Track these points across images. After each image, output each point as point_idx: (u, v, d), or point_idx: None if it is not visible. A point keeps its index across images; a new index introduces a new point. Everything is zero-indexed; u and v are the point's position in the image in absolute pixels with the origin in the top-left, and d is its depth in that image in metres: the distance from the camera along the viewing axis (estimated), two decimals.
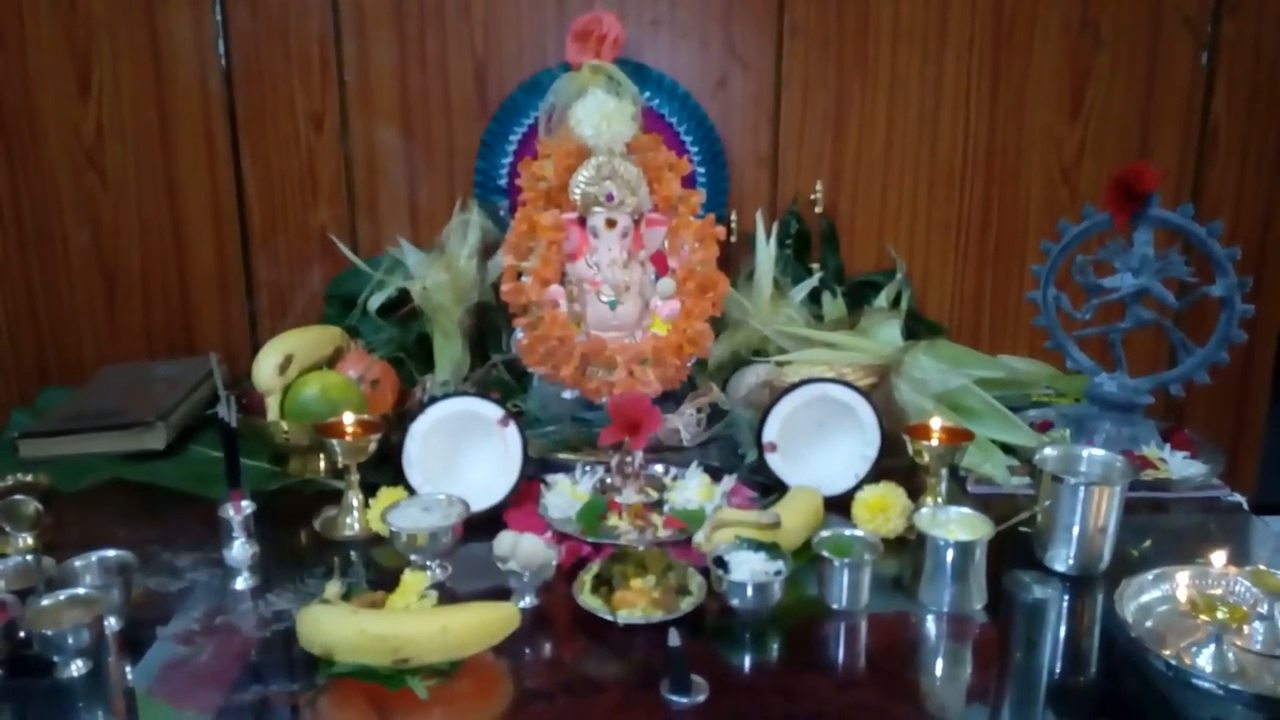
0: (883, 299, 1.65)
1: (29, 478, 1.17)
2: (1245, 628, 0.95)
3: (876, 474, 1.26)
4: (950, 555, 1.03)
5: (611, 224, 1.41)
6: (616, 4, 1.63)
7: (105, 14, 1.61)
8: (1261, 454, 1.82)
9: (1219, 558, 1.02)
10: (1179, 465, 1.35)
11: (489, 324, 1.57)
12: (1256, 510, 1.70)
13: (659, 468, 1.30)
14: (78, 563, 1.01)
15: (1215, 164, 1.70)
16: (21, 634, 0.92)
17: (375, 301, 1.58)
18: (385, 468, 1.24)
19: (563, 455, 1.35)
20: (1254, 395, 1.79)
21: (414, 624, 0.91)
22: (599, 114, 1.39)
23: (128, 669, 0.94)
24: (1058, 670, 0.97)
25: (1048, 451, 1.16)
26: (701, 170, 1.66)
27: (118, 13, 1.61)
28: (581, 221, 1.42)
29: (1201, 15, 1.64)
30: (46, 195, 1.68)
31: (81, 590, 0.95)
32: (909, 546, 1.12)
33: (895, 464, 1.27)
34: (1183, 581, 1.01)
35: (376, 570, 1.13)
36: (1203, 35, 1.65)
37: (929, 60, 1.66)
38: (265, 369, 1.31)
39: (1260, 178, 1.70)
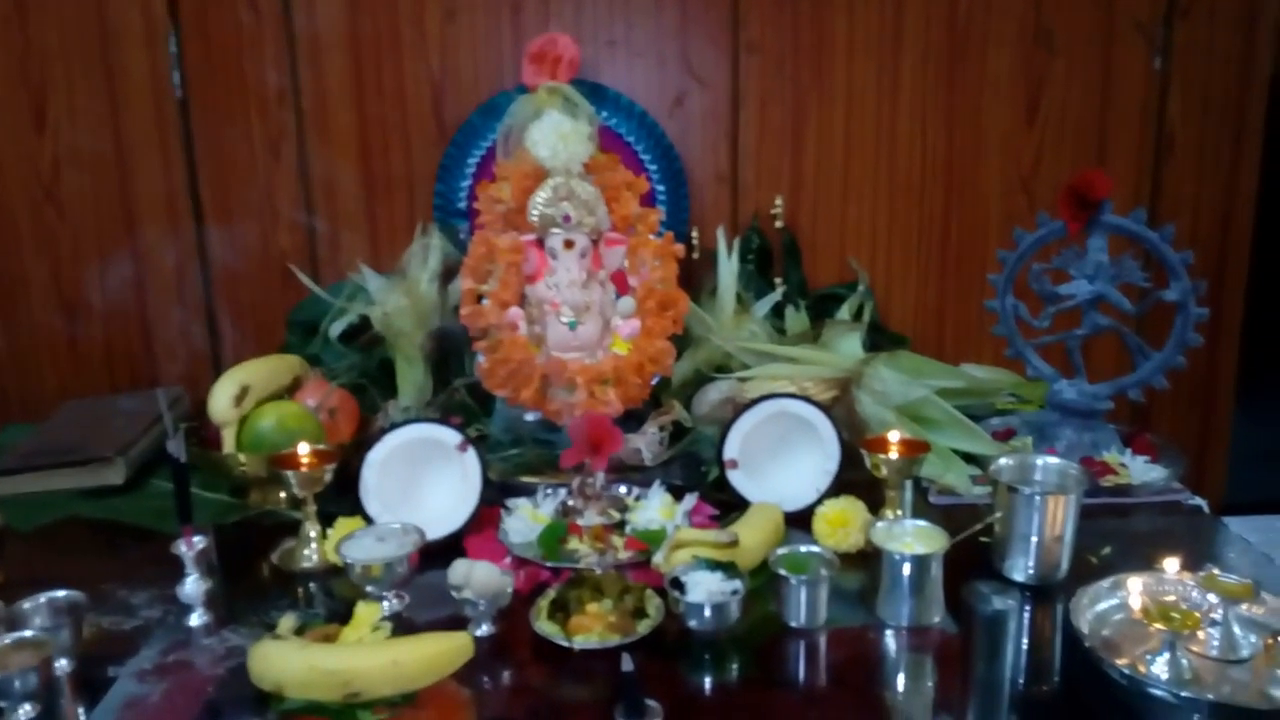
0: (845, 311, 1.65)
1: None
2: (1200, 633, 0.95)
3: (839, 487, 1.27)
4: (907, 569, 1.03)
5: (570, 245, 1.40)
6: (572, 25, 1.63)
7: (59, 46, 1.61)
8: (1229, 454, 1.83)
9: (1172, 563, 1.02)
10: (1140, 470, 1.35)
11: (451, 348, 1.57)
12: (1225, 511, 1.71)
13: (622, 488, 1.30)
14: (26, 605, 1.00)
15: (1172, 167, 1.71)
16: None
17: (336, 328, 1.57)
18: (345, 497, 1.23)
19: (525, 478, 1.34)
20: (1219, 396, 1.80)
21: (364, 658, 0.90)
22: (555, 135, 1.39)
23: (81, 711, 0.93)
24: (1020, 681, 0.97)
25: (1003, 462, 1.17)
26: (661, 188, 1.66)
27: (72, 45, 1.61)
28: (540, 243, 1.42)
29: (1154, 20, 1.66)
30: (3, 228, 1.67)
31: (29, 632, 0.94)
32: (871, 561, 1.11)
33: (858, 477, 1.26)
34: (1136, 589, 1.01)
35: (337, 601, 1.12)
36: (1155, 40, 1.66)
37: (885, 72, 1.67)
38: (221, 401, 1.30)
39: (1217, 179, 1.71)
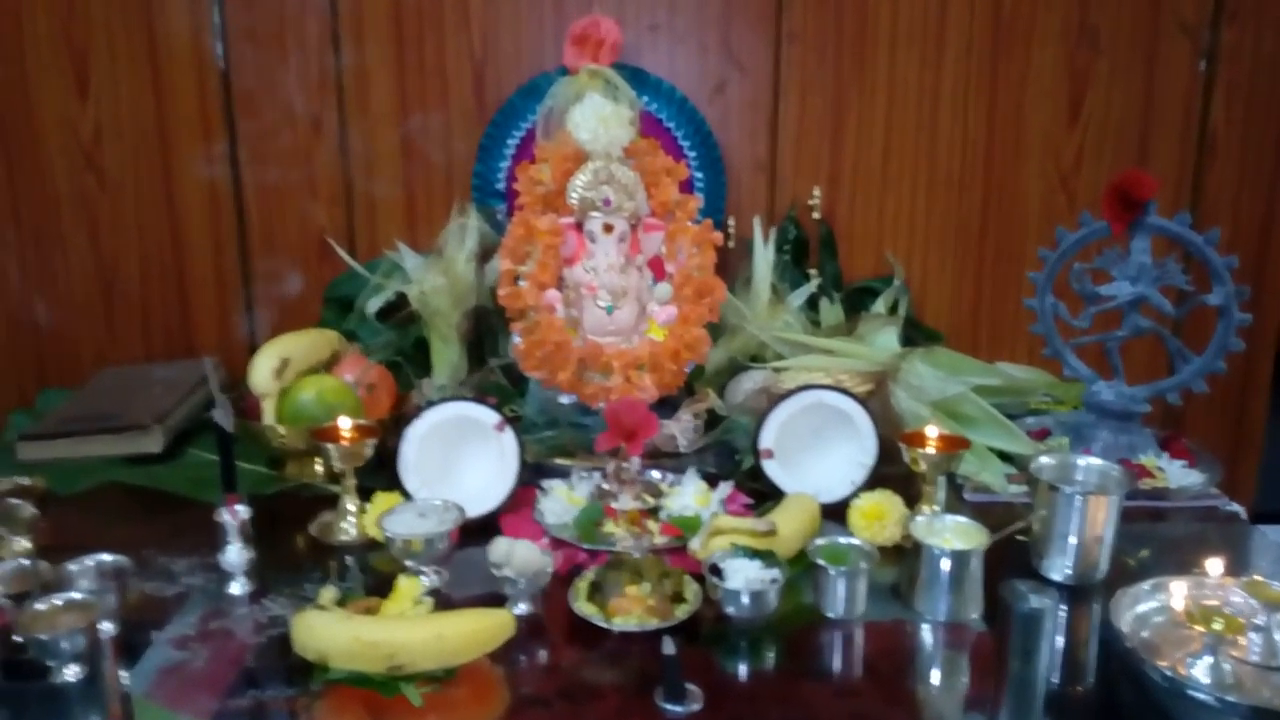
0: (880, 305, 1.64)
1: (26, 481, 1.18)
2: (1241, 639, 0.95)
3: (873, 481, 1.27)
4: (946, 564, 1.03)
5: (609, 229, 1.40)
6: (615, 8, 1.62)
7: (103, 14, 1.61)
8: (1261, 462, 1.82)
9: (1215, 567, 1.02)
10: (1177, 474, 1.35)
11: (486, 328, 1.57)
12: (1255, 519, 1.70)
13: (655, 474, 1.30)
14: (73, 567, 1.01)
15: (1214, 171, 1.70)
16: (16, 638, 0.91)
17: (373, 305, 1.58)
18: (381, 472, 1.24)
19: (559, 460, 1.35)
20: (1253, 403, 1.79)
21: (408, 631, 0.91)
22: (596, 118, 1.39)
23: (123, 673, 0.94)
24: (1054, 680, 0.97)
25: (1044, 460, 1.16)
26: (699, 175, 1.66)
27: (116, 13, 1.61)
28: (579, 226, 1.42)
29: (1200, 22, 1.64)
30: (44, 196, 1.68)
31: (77, 594, 0.94)
32: (905, 554, 1.12)
33: (892, 471, 1.26)
34: (1179, 592, 1.01)
35: (373, 575, 1.13)
36: (1201, 42, 1.65)
37: (927, 66, 1.66)
38: (261, 372, 1.31)
39: (1259, 185, 1.70)
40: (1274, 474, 1.82)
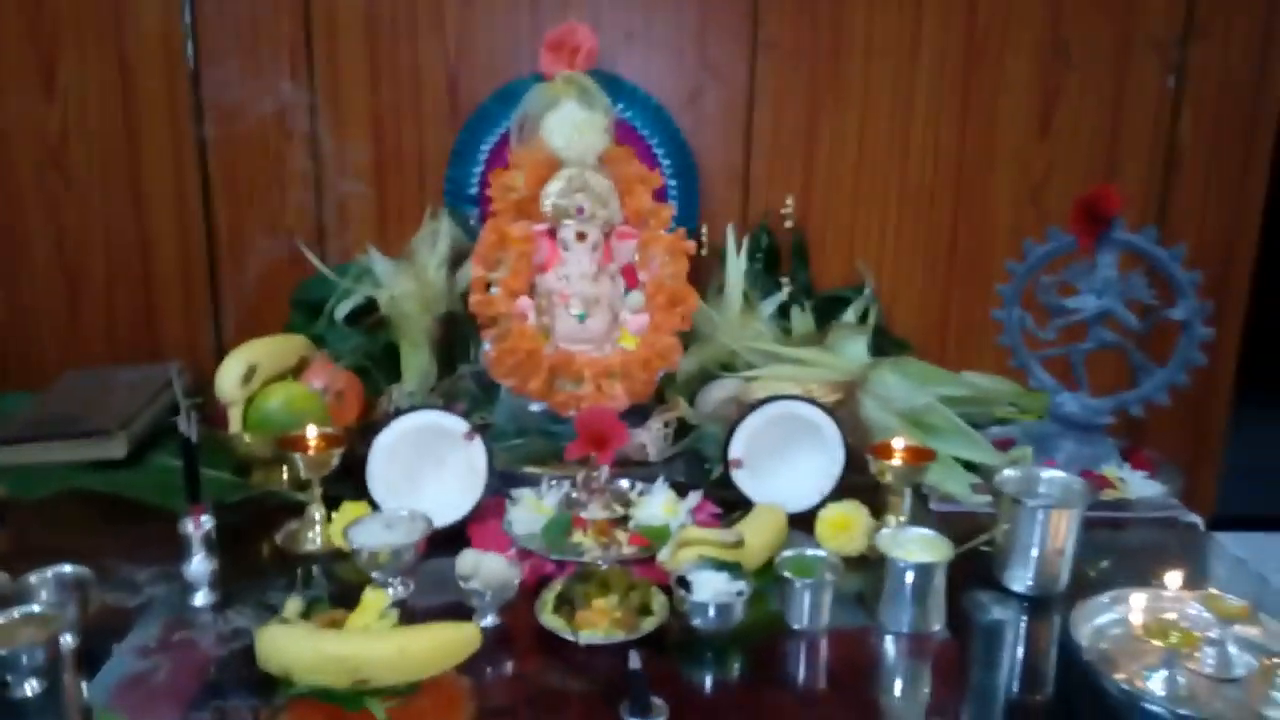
0: (851, 315, 1.66)
1: None
2: (1196, 652, 0.97)
3: (842, 489, 1.28)
4: (910, 577, 1.04)
5: (582, 237, 1.41)
6: (591, 15, 1.63)
7: (72, 13, 1.59)
8: (1222, 470, 1.85)
9: (1174, 580, 1.03)
10: (1138, 485, 1.37)
11: (457, 334, 1.57)
12: (1216, 524, 1.73)
13: (625, 483, 1.30)
14: (33, 579, 1.00)
15: (1181, 185, 1.72)
16: None
17: (342, 310, 1.57)
18: (349, 479, 1.23)
19: (529, 468, 1.35)
20: (1214, 413, 1.82)
21: (373, 645, 0.90)
22: (571, 125, 1.40)
23: (84, 685, 0.94)
24: (1015, 689, 0.99)
25: (1008, 473, 1.18)
26: (673, 183, 1.66)
27: (85, 11, 1.60)
28: (551, 233, 1.42)
29: (1170, 38, 1.66)
30: (9, 195, 1.66)
31: (37, 608, 0.94)
32: (871, 564, 1.13)
33: (859, 480, 1.27)
34: (1137, 605, 1.02)
35: (338, 585, 1.12)
36: (1170, 58, 1.67)
37: (901, 76, 1.67)
38: (229, 379, 1.30)
39: (1225, 199, 1.73)
40: (1234, 480, 1.85)
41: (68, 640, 0.96)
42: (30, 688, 0.90)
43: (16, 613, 0.93)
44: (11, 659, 0.88)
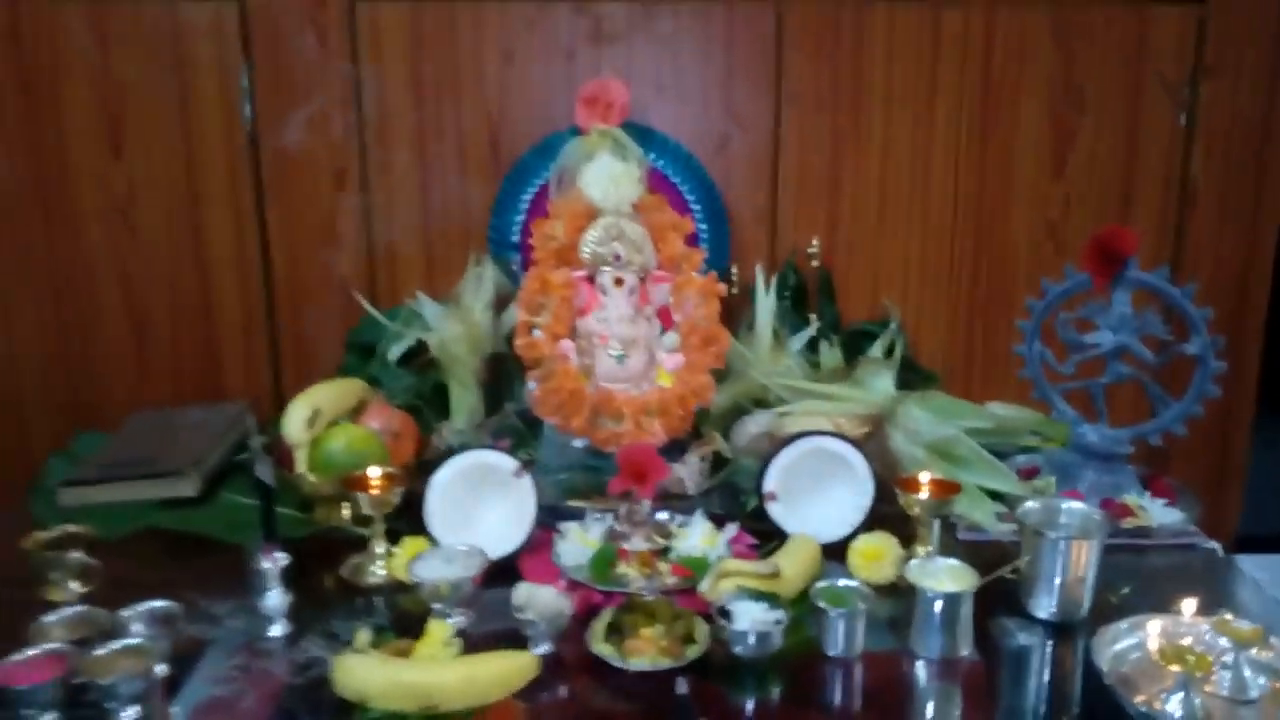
0: (878, 348, 1.72)
1: (74, 528, 1.24)
2: (1212, 675, 1.02)
3: (872, 519, 1.33)
4: (939, 606, 1.10)
5: (619, 282, 1.48)
6: (623, 69, 1.71)
7: (136, 79, 1.70)
8: (1244, 494, 1.90)
9: (1188, 607, 1.09)
10: (1158, 513, 1.41)
11: (503, 373, 1.65)
12: (1238, 547, 1.78)
13: (664, 515, 1.36)
14: (126, 613, 1.08)
15: (1194, 220, 1.78)
16: (78, 681, 0.98)
17: (394, 352, 1.66)
18: (406, 514, 1.30)
19: (573, 502, 1.42)
20: (1235, 440, 1.87)
21: (442, 673, 0.98)
22: (607, 177, 1.47)
23: (174, 713, 1.01)
24: (1041, 712, 1.04)
25: (1030, 505, 1.23)
26: (704, 226, 1.74)
27: (149, 76, 1.70)
28: (590, 279, 1.49)
29: (1180, 79, 1.73)
30: (79, 246, 1.76)
31: (134, 640, 1.02)
32: (901, 592, 1.19)
33: (889, 511, 1.33)
34: (1154, 631, 1.08)
35: (400, 615, 1.19)
36: (1181, 98, 1.73)
37: (920, 123, 1.74)
38: (294, 423, 1.38)
39: (1238, 233, 1.78)
40: (1255, 504, 1.90)
41: (160, 670, 1.04)
42: (129, 716, 0.97)
43: (117, 644, 1.01)
44: (112, 688, 0.96)
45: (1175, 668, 1.01)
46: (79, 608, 1.10)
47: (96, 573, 1.19)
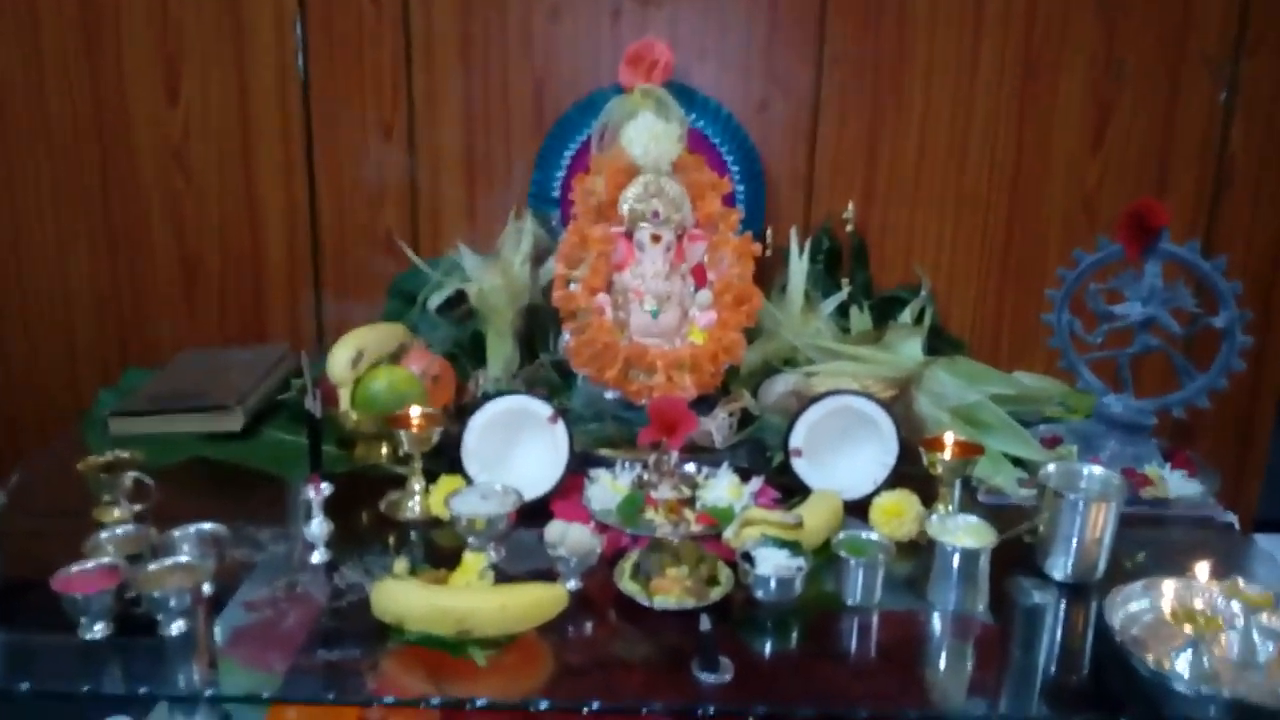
0: (907, 315, 1.74)
1: (124, 454, 1.30)
2: (1221, 637, 1.04)
3: (894, 481, 1.36)
4: (957, 560, 1.13)
5: (656, 239, 1.51)
6: (668, 31, 1.73)
7: (195, 27, 1.74)
8: (1265, 473, 1.91)
9: (1202, 570, 1.11)
10: (1177, 484, 1.43)
11: (538, 325, 1.69)
12: (1259, 527, 1.79)
13: (691, 466, 1.40)
14: (177, 533, 1.14)
15: (1230, 197, 1.78)
16: (130, 595, 1.04)
17: (435, 301, 1.70)
18: (442, 455, 1.35)
19: (604, 451, 1.46)
20: (1260, 418, 1.88)
21: (477, 600, 1.03)
22: (648, 135, 1.50)
23: (216, 629, 1.06)
24: (1052, 669, 1.06)
25: (1050, 468, 1.26)
26: (741, 188, 1.76)
27: (206, 25, 1.74)
28: (628, 235, 1.53)
29: (1222, 55, 1.72)
30: (135, 191, 1.82)
31: (184, 558, 1.08)
32: (920, 550, 1.22)
33: (912, 471, 1.35)
34: (1167, 593, 1.10)
35: (435, 549, 1.24)
36: (1222, 74, 1.73)
37: (960, 91, 1.75)
38: (339, 362, 1.43)
39: (1273, 211, 1.78)
40: (1277, 487, 1.91)
41: (207, 589, 1.09)
42: (177, 628, 1.03)
43: (167, 561, 1.06)
44: (163, 601, 1.01)
45: (1186, 628, 1.03)
46: (131, 526, 1.16)
47: (149, 493, 1.24)
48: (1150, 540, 1.32)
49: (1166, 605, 1.09)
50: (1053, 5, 1.71)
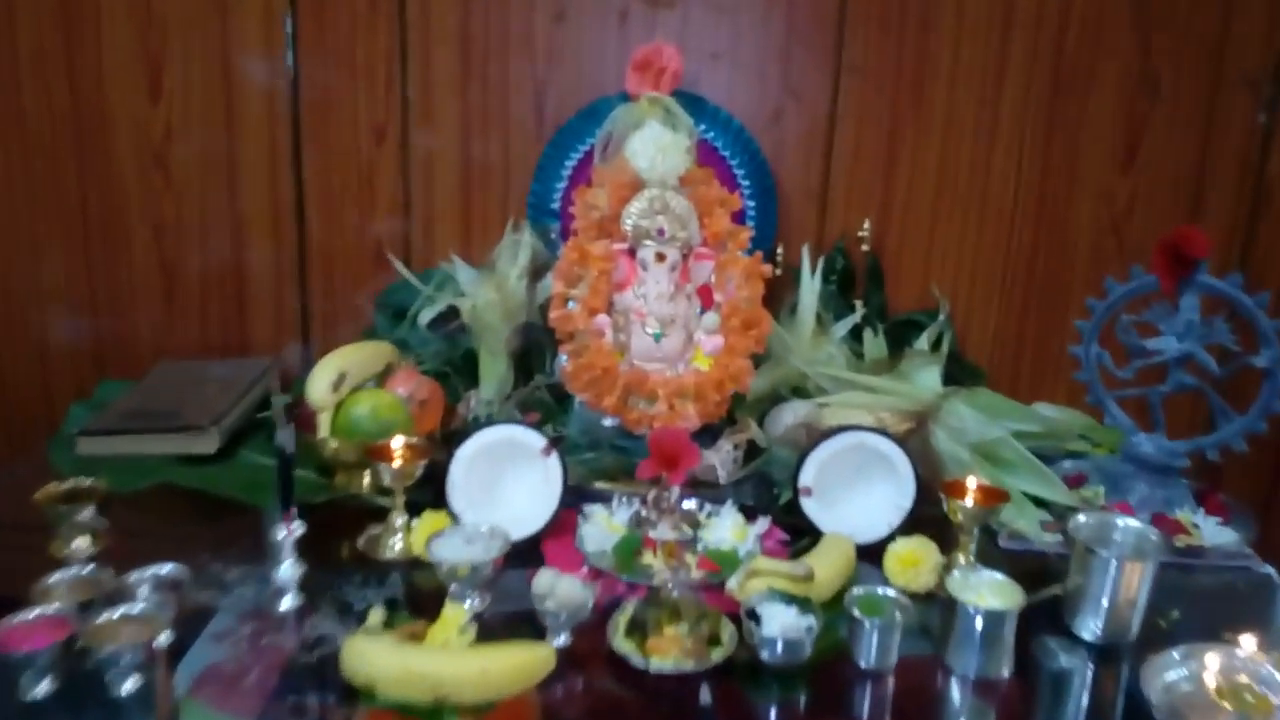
0: (924, 340, 1.65)
1: (87, 482, 1.21)
2: (1271, 718, 0.96)
3: (911, 520, 1.28)
4: (980, 623, 1.04)
5: (661, 258, 1.43)
6: (677, 35, 1.64)
7: (179, 20, 1.65)
8: None
9: (1248, 641, 1.03)
10: (1211, 532, 1.35)
11: (535, 344, 1.60)
12: None
13: (693, 503, 1.31)
14: (133, 578, 1.05)
15: (1268, 223, 1.68)
16: (80, 646, 0.95)
17: (425, 316, 1.62)
18: (428, 485, 1.26)
19: (600, 485, 1.37)
20: None
21: (456, 664, 0.94)
22: (655, 147, 1.42)
23: (175, 680, 0.98)
24: None
25: (1081, 519, 1.17)
26: (752, 204, 1.67)
27: (191, 19, 1.65)
28: (631, 253, 1.44)
29: (1262, 75, 1.63)
30: (113, 191, 1.73)
31: (140, 605, 0.99)
32: (937, 602, 1.14)
33: (929, 512, 1.27)
34: (1210, 664, 1.02)
35: (416, 592, 1.16)
36: (1262, 94, 1.64)
37: (985, 104, 1.66)
38: (320, 386, 1.34)
39: None
40: None
41: (164, 638, 1.00)
42: (130, 684, 0.94)
43: (120, 612, 0.97)
44: (114, 658, 0.92)
45: (1232, 708, 0.95)
46: (85, 568, 1.07)
47: (106, 533, 1.16)
48: (1184, 592, 1.24)
49: (1210, 679, 1.01)
50: (1087, 14, 1.62)
